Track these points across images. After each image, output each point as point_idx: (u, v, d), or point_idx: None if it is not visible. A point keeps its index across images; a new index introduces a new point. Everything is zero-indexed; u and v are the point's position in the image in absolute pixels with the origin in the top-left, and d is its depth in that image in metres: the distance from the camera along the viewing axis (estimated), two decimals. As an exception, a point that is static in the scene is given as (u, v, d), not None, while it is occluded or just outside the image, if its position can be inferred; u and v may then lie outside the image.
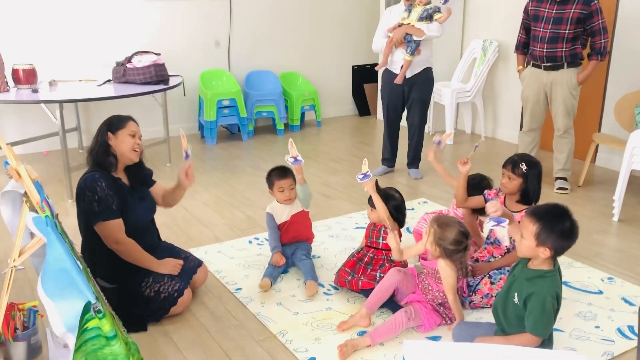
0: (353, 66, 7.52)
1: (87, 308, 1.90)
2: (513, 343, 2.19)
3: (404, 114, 5.05)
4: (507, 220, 2.41)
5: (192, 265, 2.98)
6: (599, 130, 5.33)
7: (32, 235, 2.04)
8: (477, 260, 3.03)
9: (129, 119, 2.83)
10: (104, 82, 5.02)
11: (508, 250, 2.97)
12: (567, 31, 4.33)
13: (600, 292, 3.08)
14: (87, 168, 2.80)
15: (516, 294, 2.25)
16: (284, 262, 3.22)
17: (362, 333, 2.64)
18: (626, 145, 4.05)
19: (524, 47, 4.75)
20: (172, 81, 5.12)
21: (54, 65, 5.48)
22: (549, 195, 4.49)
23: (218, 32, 6.46)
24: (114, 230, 2.67)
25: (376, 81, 7.03)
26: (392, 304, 2.81)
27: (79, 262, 1.99)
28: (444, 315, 2.72)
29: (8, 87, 4.60)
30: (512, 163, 2.91)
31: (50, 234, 1.90)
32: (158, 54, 5.08)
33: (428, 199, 4.48)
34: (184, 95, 5.82)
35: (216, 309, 2.91)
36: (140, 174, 2.92)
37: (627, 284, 3.17)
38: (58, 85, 4.88)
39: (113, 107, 5.61)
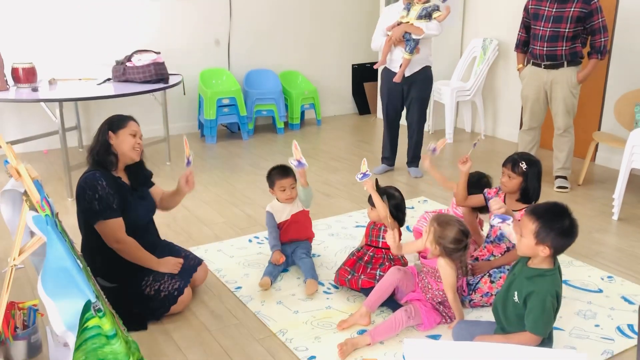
0: (353, 65, 7.52)
1: (87, 307, 1.90)
2: (513, 342, 2.20)
3: (404, 113, 5.05)
4: (512, 217, 2.42)
5: (192, 264, 2.99)
6: (599, 129, 5.33)
7: (32, 234, 2.04)
8: (476, 258, 3.03)
9: (130, 118, 2.84)
10: (104, 81, 5.02)
11: (508, 249, 2.97)
12: (567, 30, 4.33)
13: (600, 291, 3.08)
14: (87, 167, 2.80)
15: (516, 293, 2.25)
16: (284, 261, 3.22)
17: (362, 332, 2.64)
18: (626, 143, 4.05)
19: (524, 45, 4.74)
20: (172, 80, 5.12)
21: (54, 64, 5.48)
22: (548, 194, 4.49)
23: (218, 30, 6.46)
24: (114, 229, 2.68)
25: (376, 80, 7.02)
26: (392, 302, 2.82)
27: (79, 261, 1.99)
28: (444, 314, 2.72)
29: (8, 86, 4.60)
30: (512, 162, 2.91)
31: (50, 233, 1.90)
32: (158, 53, 5.08)
33: (428, 198, 4.48)
34: (184, 94, 5.83)
35: (216, 307, 2.92)
36: (141, 174, 2.92)
37: (626, 283, 3.17)
38: (58, 83, 4.88)
39: (113, 106, 5.60)
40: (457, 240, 2.54)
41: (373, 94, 7.44)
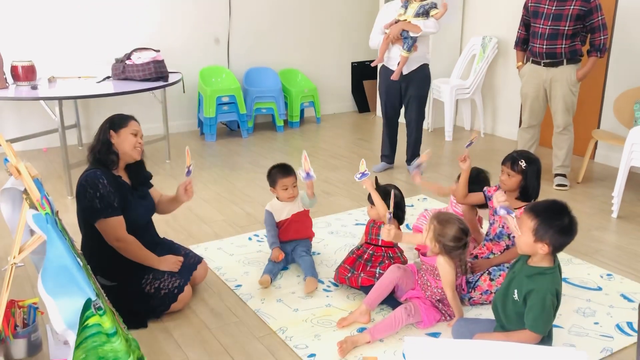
0: (352, 63, 7.52)
1: (87, 305, 1.90)
2: (512, 339, 2.20)
3: (403, 111, 5.05)
4: (515, 212, 2.43)
5: (192, 262, 2.99)
6: (598, 127, 5.33)
7: (32, 232, 2.04)
8: (476, 256, 3.03)
9: (131, 117, 2.85)
10: (104, 79, 5.02)
11: (507, 247, 2.97)
12: (566, 28, 4.33)
13: (600, 289, 3.09)
14: (87, 165, 2.81)
15: (516, 291, 2.26)
16: (284, 259, 3.22)
17: (361, 329, 2.65)
18: (625, 141, 4.05)
19: (523, 43, 4.74)
20: (172, 78, 5.12)
21: (53, 62, 5.48)
22: (548, 191, 4.50)
23: (217, 29, 6.45)
24: (115, 227, 2.68)
25: (375, 78, 7.02)
26: (391, 300, 2.82)
27: (79, 259, 1.99)
28: (443, 312, 2.73)
29: (7, 84, 4.60)
30: (511, 160, 2.91)
31: (50, 231, 1.90)
32: (157, 51, 5.08)
33: (427, 196, 4.49)
34: (184, 92, 5.83)
35: (216, 305, 2.92)
36: (141, 173, 2.93)
37: (626, 281, 3.18)
38: (57, 82, 4.88)
39: (112, 104, 5.61)
40: (456, 238, 2.54)
41: (372, 92, 7.44)
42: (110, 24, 5.84)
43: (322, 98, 7.25)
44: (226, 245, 3.61)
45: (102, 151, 2.74)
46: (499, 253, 2.98)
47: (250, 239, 3.70)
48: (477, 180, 3.20)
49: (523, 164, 2.87)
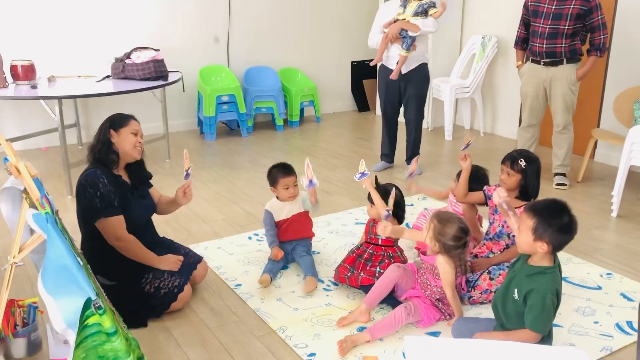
0: (352, 62, 7.51)
1: (87, 304, 1.91)
2: (512, 339, 2.20)
3: (402, 110, 5.05)
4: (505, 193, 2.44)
5: (192, 261, 2.99)
6: (598, 126, 5.33)
7: (32, 231, 2.04)
8: (476, 255, 3.03)
9: (131, 117, 2.85)
10: (103, 78, 5.02)
11: (507, 246, 2.98)
12: (566, 27, 4.33)
13: (599, 288, 3.09)
14: (86, 164, 2.81)
15: (516, 290, 2.26)
16: (284, 258, 3.23)
17: (361, 329, 2.65)
18: (625, 141, 4.05)
19: (523, 42, 4.74)
20: (171, 77, 5.12)
21: (53, 61, 5.48)
22: (548, 191, 4.50)
23: (217, 28, 6.45)
24: (115, 226, 2.68)
25: (375, 77, 6.99)
26: (391, 299, 2.82)
27: (79, 259, 1.99)
28: (443, 311, 2.73)
29: (7, 83, 4.60)
30: (511, 159, 2.91)
31: (50, 230, 1.90)
32: (157, 50, 5.08)
33: (427, 195, 4.48)
34: (183, 91, 5.82)
35: (216, 304, 2.92)
36: (141, 173, 2.93)
37: (625, 280, 3.18)
38: (57, 81, 4.88)
39: (112, 103, 5.61)
40: (456, 237, 2.54)
41: (372, 91, 7.44)
42: (109, 23, 5.83)
43: (322, 97, 7.25)
44: (226, 244, 3.61)
45: (102, 150, 2.74)
46: (499, 252, 2.98)
47: (250, 238, 3.70)
48: (477, 177, 3.20)
49: (523, 163, 2.87)
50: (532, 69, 4.62)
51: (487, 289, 2.86)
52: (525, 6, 4.60)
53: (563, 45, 4.39)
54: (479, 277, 2.88)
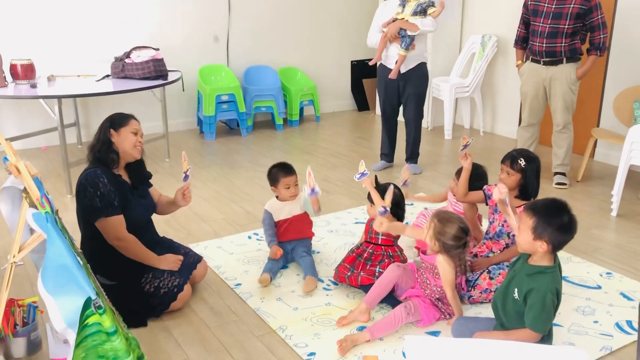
0: (352, 61, 7.51)
1: (87, 304, 1.91)
2: (512, 338, 2.20)
3: (401, 109, 5.05)
4: (507, 198, 2.43)
5: (191, 260, 2.99)
6: (598, 126, 5.33)
7: (31, 231, 2.03)
8: (475, 255, 3.03)
9: (131, 116, 2.85)
10: (103, 78, 5.01)
11: (507, 245, 2.98)
12: (566, 26, 4.33)
13: (599, 287, 3.09)
14: (86, 164, 2.80)
15: (516, 290, 2.26)
16: (284, 257, 3.23)
17: (361, 328, 2.64)
18: (625, 140, 4.05)
19: (523, 41, 4.74)
20: (171, 76, 5.12)
21: (53, 61, 5.47)
22: (547, 190, 4.50)
23: (217, 27, 6.45)
24: (115, 226, 2.68)
25: (375, 76, 7.00)
26: (391, 299, 2.82)
27: (79, 258, 1.99)
28: (443, 310, 2.73)
29: (6, 83, 4.59)
30: (511, 158, 2.92)
31: (50, 230, 1.90)
32: (157, 49, 5.08)
33: (425, 201, 4.47)
34: (183, 90, 5.82)
35: (216, 304, 2.92)
36: (141, 172, 2.93)
37: (625, 279, 3.18)
38: (56, 80, 4.88)
39: (112, 103, 5.61)
40: (457, 237, 2.54)
41: (372, 91, 7.44)
42: (109, 23, 5.83)
43: (322, 96, 7.25)
44: (226, 243, 3.61)
45: (102, 150, 2.74)
46: (499, 252, 2.98)
47: (249, 237, 3.70)
48: (476, 175, 3.19)
49: (522, 162, 2.87)
50: (532, 68, 4.62)
51: (486, 289, 2.86)
52: (525, 5, 4.60)
53: (563, 44, 4.39)
54: (478, 277, 2.88)
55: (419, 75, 4.82)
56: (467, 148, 3.17)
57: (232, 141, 6.12)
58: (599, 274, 3.24)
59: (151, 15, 6.03)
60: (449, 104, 6.16)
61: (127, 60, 4.94)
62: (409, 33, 4.55)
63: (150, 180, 3.04)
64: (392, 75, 4.72)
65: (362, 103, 7.63)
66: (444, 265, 2.58)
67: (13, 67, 4.62)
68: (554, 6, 4.36)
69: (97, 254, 2.70)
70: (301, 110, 6.89)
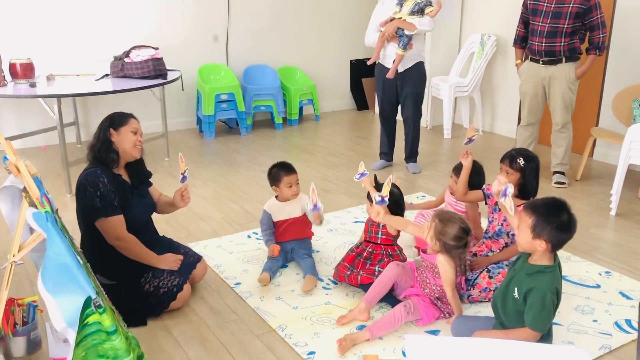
0: (351, 60, 7.51)
1: (87, 303, 1.91)
2: (512, 337, 2.21)
3: (400, 108, 5.05)
4: (511, 186, 2.41)
5: (191, 260, 2.99)
6: (597, 125, 5.33)
7: (31, 230, 2.03)
8: (475, 254, 3.04)
9: (130, 115, 2.84)
10: (102, 77, 5.01)
11: (506, 245, 2.98)
12: (565, 25, 4.33)
13: (598, 286, 3.09)
14: (85, 162, 2.80)
15: (516, 289, 2.26)
16: (283, 257, 3.24)
17: (361, 327, 2.65)
18: (624, 139, 4.06)
19: (522, 41, 4.74)
20: (170, 75, 5.11)
21: (52, 60, 5.47)
22: (546, 189, 4.50)
23: (216, 26, 6.44)
24: (115, 226, 2.68)
25: (374, 75, 7.01)
26: (390, 298, 2.82)
27: (79, 257, 1.99)
28: (442, 309, 2.73)
29: (5, 82, 4.59)
30: (510, 158, 2.92)
31: (50, 229, 1.90)
32: (156, 48, 5.07)
33: (426, 193, 4.49)
34: (182, 89, 5.82)
35: (215, 303, 2.92)
36: (141, 172, 2.92)
37: (624, 278, 3.19)
38: (56, 79, 4.87)
39: (111, 102, 5.61)
40: (457, 237, 2.54)
41: (371, 90, 7.43)
42: (108, 22, 5.83)
43: (321, 96, 7.25)
44: (225, 243, 3.61)
45: (102, 150, 2.73)
46: (498, 251, 2.99)
47: (249, 236, 3.70)
48: (473, 170, 3.18)
49: (522, 161, 2.87)
50: (531, 67, 4.62)
51: (486, 288, 2.86)
52: (525, 5, 4.61)
53: (562, 44, 4.39)
54: (478, 276, 2.88)
55: (416, 75, 4.83)
56: (471, 143, 3.15)
57: (232, 140, 6.11)
58: (598, 273, 3.24)
59: (150, 14, 6.03)
60: (448, 104, 6.16)
61: (126, 60, 4.94)
62: (406, 32, 4.55)
63: (150, 180, 3.04)
64: (390, 75, 4.73)
65: (361, 102, 7.63)
66: (444, 265, 2.58)
67: (12, 67, 4.61)
68: (553, 5, 4.36)
69: (96, 253, 2.70)
70: (300, 109, 6.89)
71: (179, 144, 5.86)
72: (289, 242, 3.29)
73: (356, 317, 2.72)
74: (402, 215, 3.07)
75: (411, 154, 5.10)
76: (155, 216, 3.06)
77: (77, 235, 2.78)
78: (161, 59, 5.04)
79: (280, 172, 3.27)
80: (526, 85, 4.69)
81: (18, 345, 2.38)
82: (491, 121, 6.47)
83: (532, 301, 2.20)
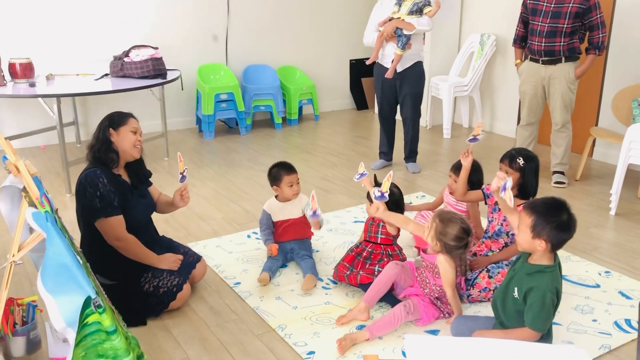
0: (351, 60, 7.51)
1: (87, 303, 1.91)
2: (511, 337, 2.21)
3: (399, 108, 5.05)
4: (510, 179, 2.41)
5: (191, 260, 2.99)
6: (597, 125, 5.33)
7: (31, 230, 2.03)
8: (475, 254, 3.04)
9: (129, 115, 2.83)
10: (102, 76, 5.00)
11: (506, 244, 2.98)
12: (565, 25, 4.33)
13: (598, 286, 3.10)
14: (85, 162, 2.80)
15: (516, 289, 2.26)
16: (283, 257, 3.24)
17: (360, 327, 2.65)
18: (623, 139, 4.06)
19: (522, 40, 4.74)
20: (170, 75, 5.11)
21: (51, 59, 5.47)
22: (546, 189, 4.50)
23: (216, 26, 6.44)
24: (115, 226, 2.67)
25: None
26: (390, 297, 2.82)
27: (78, 257, 1.99)
28: (442, 309, 2.73)
29: (5, 81, 4.58)
30: (510, 157, 2.92)
31: (50, 229, 1.90)
32: (156, 48, 5.07)
33: (426, 193, 4.49)
34: (182, 89, 5.81)
35: (215, 303, 2.92)
36: (141, 172, 2.92)
37: (624, 278, 3.19)
38: (55, 79, 4.87)
39: (110, 101, 5.61)
40: (458, 238, 2.54)
41: (371, 89, 7.42)
42: (108, 21, 5.82)
43: (321, 95, 7.24)
44: (225, 242, 3.61)
45: (101, 150, 2.72)
46: (498, 250, 2.99)
47: (249, 236, 3.70)
48: (472, 168, 3.16)
49: (521, 161, 2.87)
50: (531, 67, 4.62)
51: (485, 287, 2.86)
52: (524, 4, 4.60)
53: (562, 43, 4.39)
54: (477, 276, 2.88)
55: (415, 75, 4.83)
56: (475, 141, 3.12)
57: (231, 140, 6.11)
58: (598, 272, 3.25)
59: (150, 14, 6.02)
60: (448, 103, 6.16)
61: (126, 59, 4.94)
62: (405, 32, 4.55)
63: (150, 179, 3.04)
64: (389, 75, 4.73)
65: (360, 102, 7.63)
66: (444, 265, 2.58)
67: (12, 66, 4.61)
68: (552, 5, 4.36)
69: (96, 253, 2.70)
70: (300, 109, 6.89)
71: (178, 144, 5.86)
72: (289, 242, 3.29)
73: (356, 317, 2.72)
74: (402, 214, 3.06)
75: (410, 154, 5.10)
76: (154, 216, 3.06)
77: (77, 235, 2.77)
78: (161, 58, 5.03)
79: (280, 171, 3.27)
80: (526, 85, 4.69)
81: (18, 345, 2.38)
82: (491, 121, 6.46)
83: (532, 301, 2.20)
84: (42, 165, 5.13)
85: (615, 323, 2.75)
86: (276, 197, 3.34)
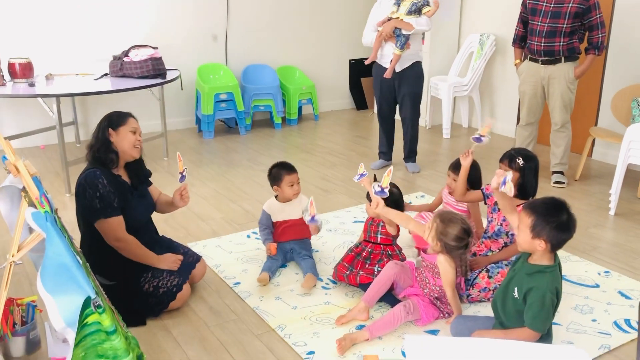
0: (350, 60, 7.51)
1: (87, 303, 1.91)
2: (511, 337, 2.21)
3: (398, 108, 5.05)
4: (510, 173, 2.40)
5: (190, 260, 2.98)
6: (596, 124, 5.34)
7: (31, 230, 2.03)
8: (474, 254, 3.04)
9: (129, 115, 2.83)
10: (101, 76, 5.01)
11: (505, 244, 2.98)
12: (564, 25, 4.34)
13: (597, 286, 3.10)
14: (85, 162, 2.79)
15: (516, 289, 2.26)
16: (283, 257, 3.24)
17: (360, 327, 2.65)
18: (623, 139, 4.06)
19: (521, 40, 4.74)
20: (170, 75, 5.11)
21: (51, 59, 5.46)
22: (546, 189, 4.50)
23: (215, 25, 6.44)
24: (114, 227, 2.67)
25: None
26: (390, 297, 2.82)
27: (78, 257, 1.99)
28: (441, 309, 2.73)
29: (4, 81, 4.58)
30: (509, 157, 2.92)
31: (49, 229, 1.90)
32: (155, 48, 5.07)
33: (425, 193, 4.49)
34: (182, 89, 5.81)
35: (215, 303, 2.92)
36: (141, 172, 2.92)
37: (623, 278, 3.19)
38: (55, 79, 4.87)
39: (110, 101, 5.60)
40: (458, 238, 2.54)
41: (370, 89, 7.41)
42: (108, 21, 5.82)
43: (320, 95, 7.24)
44: (224, 242, 3.61)
45: (101, 150, 2.72)
46: (497, 250, 2.99)
47: (248, 236, 3.70)
48: (470, 167, 3.16)
49: (521, 161, 2.87)
50: (530, 67, 4.62)
51: (485, 287, 2.86)
52: (524, 4, 4.61)
53: (561, 43, 4.40)
54: (477, 276, 2.89)
55: (414, 74, 4.82)
56: (479, 142, 3.05)
57: (231, 140, 6.11)
58: (597, 272, 3.25)
59: (150, 14, 6.02)
60: (447, 103, 6.16)
61: (125, 59, 4.94)
62: (403, 32, 4.55)
63: (150, 179, 3.04)
64: (387, 75, 4.72)
65: (360, 102, 7.63)
66: (445, 266, 2.58)
67: (11, 66, 4.61)
68: (552, 5, 4.36)
69: (96, 253, 2.69)
70: (300, 109, 6.89)
71: (178, 144, 5.86)
72: (288, 242, 3.29)
73: (355, 317, 2.72)
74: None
75: (410, 154, 5.10)
76: (154, 216, 3.05)
77: (77, 235, 2.77)
78: (160, 58, 5.04)
79: (281, 171, 3.27)
80: (525, 85, 4.69)
81: (17, 345, 2.38)
82: (490, 121, 6.45)
83: (532, 301, 2.20)
84: (42, 165, 5.13)
85: (615, 323, 2.75)
86: (276, 197, 3.34)
